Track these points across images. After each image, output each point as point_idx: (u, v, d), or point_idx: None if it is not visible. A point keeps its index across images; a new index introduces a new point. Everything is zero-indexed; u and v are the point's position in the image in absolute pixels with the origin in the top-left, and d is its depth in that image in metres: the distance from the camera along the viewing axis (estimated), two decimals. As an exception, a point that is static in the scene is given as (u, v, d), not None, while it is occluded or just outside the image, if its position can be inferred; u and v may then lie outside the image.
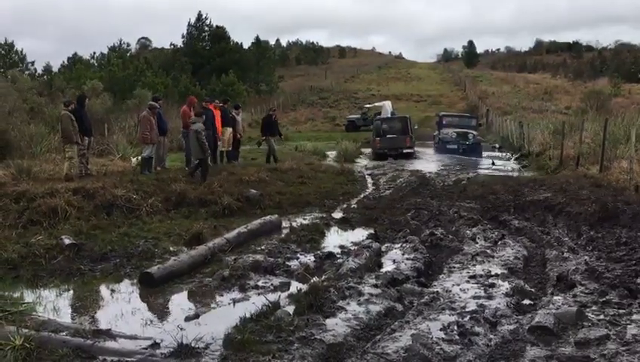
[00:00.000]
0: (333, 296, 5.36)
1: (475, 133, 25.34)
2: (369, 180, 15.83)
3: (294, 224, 9.44)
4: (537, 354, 4.24)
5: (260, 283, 6.33)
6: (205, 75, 53.79)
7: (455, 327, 4.70)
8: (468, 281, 6.22)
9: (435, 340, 4.43)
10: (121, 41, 59.62)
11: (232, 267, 6.65)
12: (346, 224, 9.74)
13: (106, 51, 56.53)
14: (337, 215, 10.44)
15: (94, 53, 57.69)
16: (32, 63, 49.94)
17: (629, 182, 11.44)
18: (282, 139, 20.42)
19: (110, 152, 17.95)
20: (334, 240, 8.62)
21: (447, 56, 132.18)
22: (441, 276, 6.58)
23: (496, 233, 8.68)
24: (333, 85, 70.84)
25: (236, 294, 6.04)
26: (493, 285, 6.03)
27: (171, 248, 7.79)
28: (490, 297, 5.62)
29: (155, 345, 4.41)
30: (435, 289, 5.91)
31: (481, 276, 6.38)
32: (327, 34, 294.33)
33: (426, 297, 5.59)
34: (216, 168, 14.16)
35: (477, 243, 8.08)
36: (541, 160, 19.75)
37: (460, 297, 5.64)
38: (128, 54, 57.00)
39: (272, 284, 6.33)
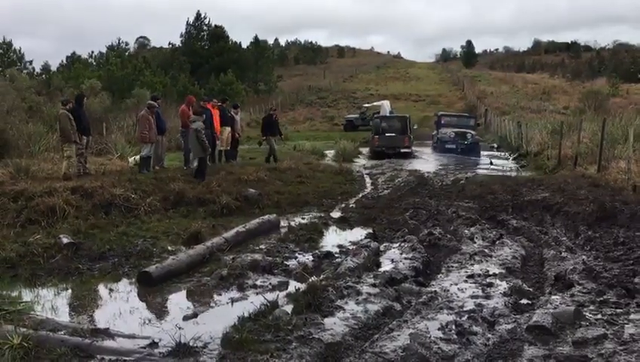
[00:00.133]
0: (332, 295, 5.37)
1: (473, 132, 25.36)
2: (367, 180, 15.84)
3: (293, 223, 9.44)
4: (535, 353, 4.25)
5: (258, 283, 6.34)
6: (204, 74, 53.79)
7: (453, 327, 4.71)
8: (466, 281, 6.23)
9: (433, 339, 4.44)
10: (119, 40, 59.63)
11: (230, 266, 6.65)
12: (344, 223, 9.74)
13: (104, 50, 56.50)
14: (336, 214, 10.45)
15: (92, 52, 57.46)
16: (31, 62, 49.90)
17: (626, 182, 11.47)
18: (282, 138, 20.31)
19: (109, 151, 17.93)
20: (333, 239, 8.62)
21: (445, 56, 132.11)
22: (439, 275, 6.59)
23: (494, 233, 8.68)
24: (332, 85, 70.81)
25: (234, 293, 6.04)
26: (491, 284, 6.05)
27: (170, 247, 7.78)
28: (488, 297, 5.64)
29: (154, 344, 4.42)
30: (433, 289, 5.92)
31: (479, 275, 6.39)
32: (326, 34, 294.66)
33: (424, 296, 5.60)
34: (214, 167, 14.16)
35: (475, 242, 8.09)
36: (539, 160, 19.76)
37: (457, 296, 5.65)
38: (127, 53, 56.93)
39: (270, 284, 6.33)
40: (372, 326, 4.86)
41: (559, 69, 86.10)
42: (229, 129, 16.41)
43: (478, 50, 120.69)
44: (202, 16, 61.29)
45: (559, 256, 7.14)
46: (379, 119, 26.43)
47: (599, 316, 4.95)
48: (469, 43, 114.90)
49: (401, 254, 7.32)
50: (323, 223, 9.57)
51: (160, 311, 5.69)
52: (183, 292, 6.18)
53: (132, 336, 4.69)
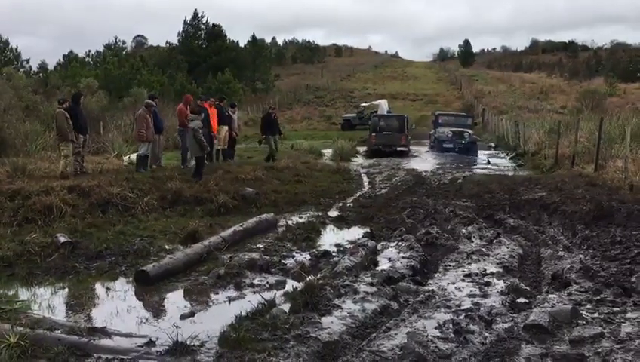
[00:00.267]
0: (329, 294, 5.37)
1: (470, 132, 25.40)
2: (365, 179, 15.83)
3: (290, 222, 9.44)
4: (532, 352, 4.26)
5: (255, 282, 6.33)
6: (201, 73, 53.79)
7: (450, 325, 4.71)
8: (463, 280, 6.24)
9: (430, 338, 4.44)
10: (116, 39, 59.69)
11: (227, 265, 6.64)
12: (341, 222, 9.74)
13: (101, 49, 56.48)
14: (333, 213, 10.45)
15: (90, 51, 57.48)
16: (27, 61, 49.92)
17: (623, 181, 11.49)
18: (282, 137, 20.12)
19: (106, 150, 17.92)
20: (330, 238, 8.62)
21: (443, 56, 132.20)
22: (436, 274, 6.59)
23: (491, 232, 8.69)
24: (330, 84, 70.80)
25: (232, 292, 6.03)
26: (488, 283, 6.05)
27: (167, 246, 7.77)
28: (485, 295, 5.64)
29: (151, 343, 4.41)
30: (431, 288, 5.92)
31: (476, 274, 6.40)
32: (323, 33, 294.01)
33: (422, 295, 5.60)
34: (212, 166, 14.14)
35: (472, 241, 8.09)
36: (536, 159, 19.79)
37: (455, 295, 5.65)
38: (124, 52, 57.01)
39: (267, 282, 6.33)
40: (369, 324, 4.86)
41: (557, 69, 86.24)
42: (226, 128, 16.40)
43: (475, 49, 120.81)
44: (200, 15, 61.33)
45: (556, 254, 7.16)
46: (377, 118, 26.61)
47: (596, 315, 4.96)
48: (467, 42, 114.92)
49: (398, 253, 7.32)
50: (320, 222, 9.57)
51: (157, 310, 5.68)
52: (181, 291, 6.17)
53: (129, 335, 4.68)
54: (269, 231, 8.93)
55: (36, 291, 6.21)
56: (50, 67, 54.49)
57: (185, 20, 61.10)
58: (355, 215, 10.23)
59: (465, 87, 62.66)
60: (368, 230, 8.80)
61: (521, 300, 5.52)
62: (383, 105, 38.37)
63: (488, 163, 20.32)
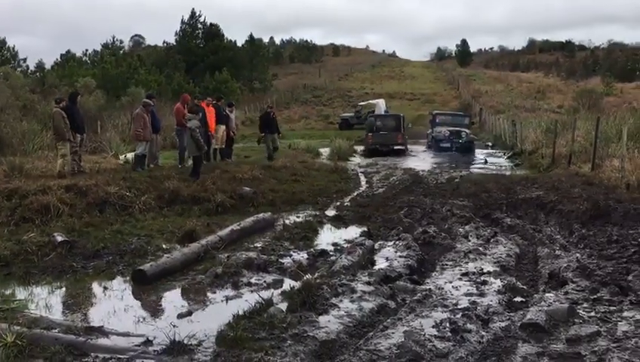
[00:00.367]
0: (326, 293, 5.37)
1: (468, 131, 25.44)
2: (362, 178, 15.84)
3: (288, 222, 9.44)
4: (529, 350, 4.26)
5: (253, 281, 6.33)
6: (199, 72, 53.77)
7: (447, 324, 4.72)
8: (460, 279, 6.24)
9: (427, 337, 4.45)
10: (114, 39, 59.53)
11: (225, 264, 6.64)
12: (339, 222, 9.75)
13: (99, 48, 56.38)
14: (331, 213, 10.45)
15: (87, 50, 57.37)
16: (25, 60, 49.88)
17: (620, 180, 11.51)
18: (280, 136, 19.83)
19: (103, 150, 17.90)
20: (327, 237, 8.62)
21: (440, 55, 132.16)
22: (433, 273, 6.60)
23: (488, 231, 8.70)
24: (327, 83, 70.79)
25: (229, 291, 6.04)
26: (485, 282, 6.06)
27: (164, 245, 7.77)
28: (482, 294, 5.65)
29: (148, 342, 4.41)
30: (428, 287, 5.92)
31: (473, 273, 6.40)
32: (321, 32, 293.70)
33: (419, 294, 5.61)
34: (209, 166, 14.14)
35: (469, 240, 8.10)
36: (533, 158, 19.81)
37: (452, 294, 5.66)
38: (121, 52, 56.86)
39: (265, 282, 6.33)
40: (366, 323, 4.86)
41: (554, 68, 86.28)
42: (223, 127, 16.39)
43: (473, 49, 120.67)
44: (197, 14, 61.30)
45: (553, 254, 7.17)
46: (373, 118, 26.76)
47: (593, 313, 4.97)
48: (464, 42, 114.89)
49: (395, 252, 7.33)
50: (318, 221, 9.57)
51: (154, 309, 5.68)
52: (178, 291, 6.17)
53: (126, 334, 4.68)
54: (267, 231, 8.93)
55: (33, 290, 6.21)
56: (48, 66, 54.33)
57: (182, 20, 61.17)
58: (352, 214, 10.24)
59: (462, 87, 62.67)
60: (366, 229, 8.80)
61: (518, 299, 5.53)
62: (381, 104, 38.40)
63: (485, 162, 20.34)
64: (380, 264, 6.85)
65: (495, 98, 51.42)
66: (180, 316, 5.26)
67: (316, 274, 6.18)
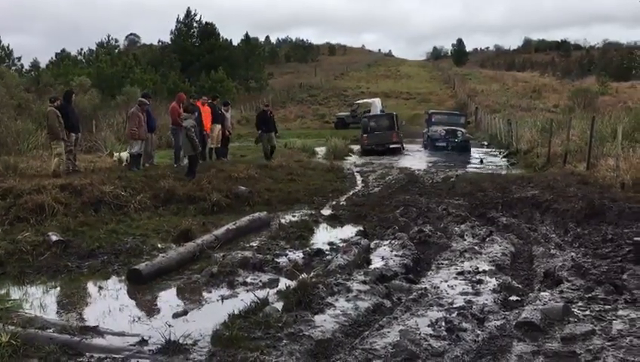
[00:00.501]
0: (322, 292, 5.37)
1: (463, 130, 25.50)
2: (358, 177, 15.84)
3: (283, 221, 9.44)
4: (524, 349, 4.27)
5: (248, 280, 6.33)
6: (194, 71, 53.69)
7: (443, 323, 4.72)
8: (456, 278, 6.25)
9: (422, 336, 4.45)
10: (109, 38, 59.28)
11: (220, 264, 6.64)
12: (334, 221, 9.75)
13: (94, 47, 56.19)
14: (326, 212, 10.45)
15: (82, 49, 57.22)
16: (19, 59, 49.68)
17: (615, 179, 11.54)
18: (277, 135, 19.63)
19: (98, 149, 17.85)
20: (323, 236, 8.62)
21: (436, 54, 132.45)
22: (429, 272, 6.60)
23: (484, 230, 8.71)
24: (323, 83, 70.82)
25: (225, 291, 6.03)
26: (480, 281, 6.07)
27: (159, 245, 7.75)
28: (477, 293, 5.66)
29: (143, 342, 4.40)
30: (424, 286, 5.93)
31: (468, 272, 6.41)
32: (317, 31, 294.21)
33: (414, 293, 5.61)
34: (205, 165, 14.12)
35: (465, 240, 8.11)
36: (529, 157, 19.85)
37: (447, 293, 5.67)
38: (116, 51, 56.69)
39: (260, 281, 6.32)
40: (362, 323, 4.86)
41: (549, 68, 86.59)
42: (219, 126, 16.35)
43: (468, 48, 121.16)
44: (192, 13, 61.19)
45: (548, 252, 7.18)
46: (366, 118, 26.89)
47: (587, 312, 4.98)
48: (460, 41, 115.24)
49: (391, 251, 7.33)
50: (314, 221, 9.57)
51: (150, 309, 5.67)
52: (173, 290, 6.16)
53: (121, 334, 4.67)
54: (262, 230, 8.93)
55: (28, 290, 6.18)
56: (43, 65, 54.21)
57: (178, 19, 60.98)
58: (348, 213, 10.24)
59: (458, 86, 62.80)
60: (361, 228, 8.80)
61: (514, 298, 5.54)
62: (377, 103, 38.46)
63: (481, 162, 20.37)
64: (376, 263, 6.84)
65: (491, 97, 51.55)
66: (176, 315, 5.25)
67: (312, 274, 6.18)
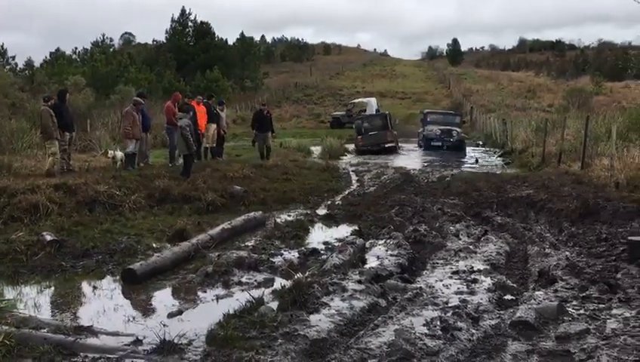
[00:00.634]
0: (317, 291, 5.36)
1: (459, 130, 25.55)
2: (353, 177, 15.85)
3: (279, 220, 9.43)
4: (518, 348, 4.28)
5: (243, 280, 6.32)
6: (189, 71, 53.57)
7: (438, 322, 4.72)
8: (451, 277, 6.26)
9: (417, 335, 4.45)
10: (104, 37, 59.06)
11: (215, 263, 6.62)
12: (330, 220, 9.75)
13: (88, 46, 55.98)
14: (322, 211, 10.45)
15: (77, 48, 56.90)
16: (14, 58, 49.38)
17: (609, 178, 11.58)
18: (274, 135, 19.06)
19: (93, 148, 17.79)
20: (318, 236, 8.62)
21: (431, 54, 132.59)
22: (424, 272, 6.61)
23: (479, 229, 8.73)
24: (318, 82, 70.79)
25: (220, 290, 6.02)
26: (475, 281, 6.08)
27: (154, 245, 7.74)
28: (472, 293, 5.67)
29: (138, 342, 4.38)
30: (419, 285, 5.93)
31: (463, 272, 6.42)
32: (312, 31, 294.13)
33: (410, 293, 5.61)
34: (200, 164, 14.09)
35: (460, 239, 8.13)
36: (524, 157, 19.91)
37: (442, 293, 5.67)
38: (111, 50, 56.54)
39: (255, 280, 6.32)
40: (357, 322, 4.86)
41: (544, 68, 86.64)
42: (214, 126, 16.33)
43: (464, 48, 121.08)
44: (188, 12, 61.04)
45: (543, 252, 7.20)
46: (360, 120, 26.96)
47: (582, 311, 4.99)
48: (455, 41, 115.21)
49: (386, 251, 7.33)
50: (309, 220, 9.57)
51: (144, 309, 5.65)
52: (168, 290, 6.14)
53: (116, 334, 4.66)
54: (258, 229, 8.92)
55: (22, 290, 6.16)
56: (37, 64, 53.91)
57: (173, 18, 60.82)
58: (343, 213, 10.24)
59: (453, 86, 62.89)
60: (357, 228, 8.80)
61: (508, 297, 5.55)
62: (372, 102, 38.47)
63: (476, 161, 20.41)
64: (371, 262, 6.84)
65: (486, 97, 51.63)
66: (170, 315, 5.24)
67: (307, 273, 6.18)
